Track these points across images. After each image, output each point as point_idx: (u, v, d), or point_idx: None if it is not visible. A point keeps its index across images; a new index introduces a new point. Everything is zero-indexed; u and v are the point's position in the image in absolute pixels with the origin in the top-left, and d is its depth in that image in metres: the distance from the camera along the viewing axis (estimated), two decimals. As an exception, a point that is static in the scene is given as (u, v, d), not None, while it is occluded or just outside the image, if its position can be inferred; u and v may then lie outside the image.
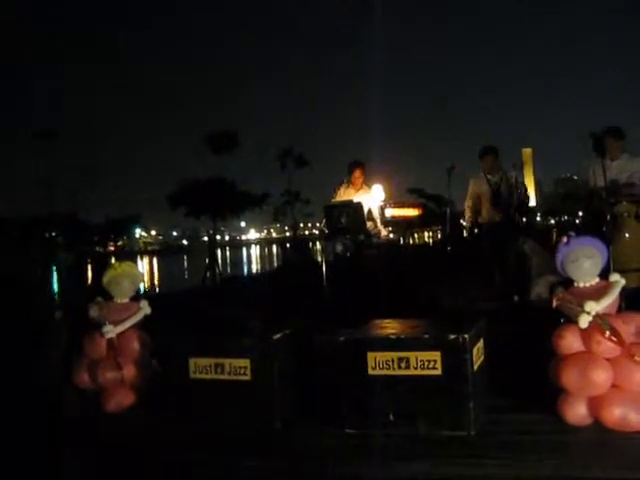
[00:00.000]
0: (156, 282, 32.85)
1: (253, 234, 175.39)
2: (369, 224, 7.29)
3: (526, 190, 7.90)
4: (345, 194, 8.09)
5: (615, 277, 3.63)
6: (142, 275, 5.23)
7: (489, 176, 7.80)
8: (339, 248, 7.38)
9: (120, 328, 4.40)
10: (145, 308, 4.60)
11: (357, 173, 8.07)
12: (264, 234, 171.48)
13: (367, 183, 8.05)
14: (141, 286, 5.40)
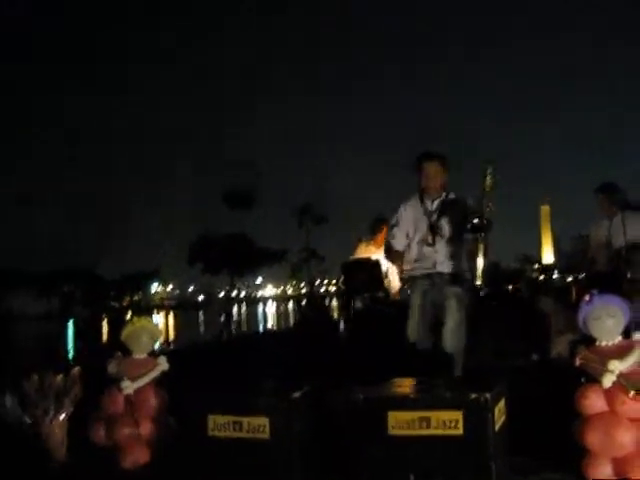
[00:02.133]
0: (172, 338, 32.78)
1: (269, 290, 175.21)
2: (387, 282, 7.28)
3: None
4: (365, 251, 8.10)
5: (638, 336, 3.60)
6: (160, 331, 5.24)
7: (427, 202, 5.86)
8: (358, 305, 7.37)
9: (138, 384, 4.39)
10: (163, 364, 4.59)
11: (380, 232, 8.09)
12: (280, 290, 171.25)
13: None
14: (158, 342, 5.40)
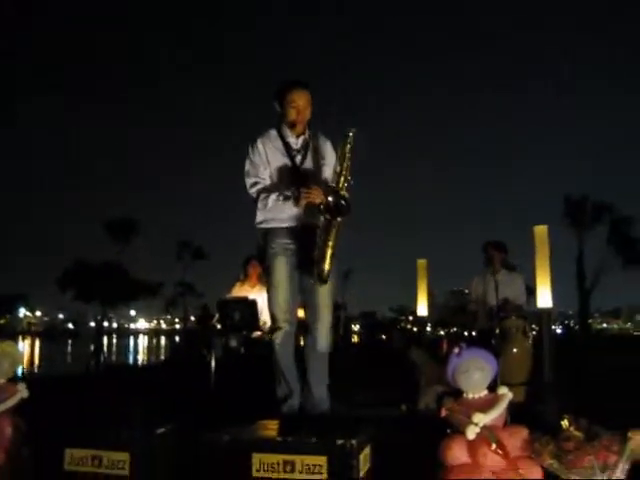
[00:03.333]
0: (37, 365, 31.57)
1: (143, 324, 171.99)
2: (262, 322, 7.25)
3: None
4: (241, 291, 8.07)
5: (503, 390, 3.69)
6: (22, 356, 5.01)
7: None
8: (233, 344, 7.30)
9: (-7, 411, 4.17)
10: (22, 391, 4.35)
11: (252, 269, 8.09)
12: (154, 324, 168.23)
13: (262, 280, 8.02)
14: (20, 368, 5.16)
